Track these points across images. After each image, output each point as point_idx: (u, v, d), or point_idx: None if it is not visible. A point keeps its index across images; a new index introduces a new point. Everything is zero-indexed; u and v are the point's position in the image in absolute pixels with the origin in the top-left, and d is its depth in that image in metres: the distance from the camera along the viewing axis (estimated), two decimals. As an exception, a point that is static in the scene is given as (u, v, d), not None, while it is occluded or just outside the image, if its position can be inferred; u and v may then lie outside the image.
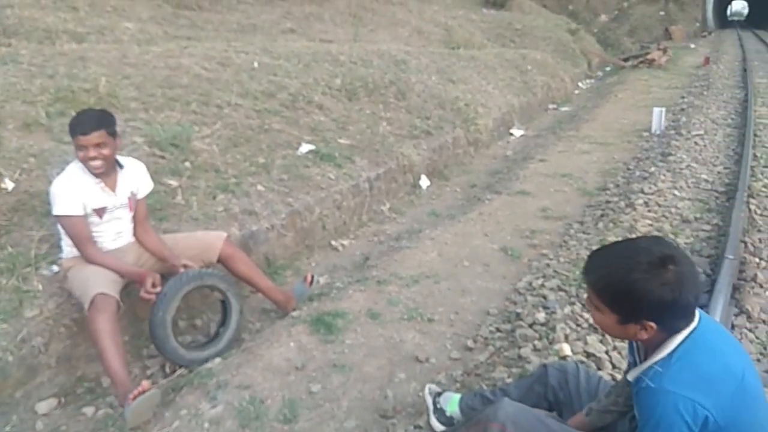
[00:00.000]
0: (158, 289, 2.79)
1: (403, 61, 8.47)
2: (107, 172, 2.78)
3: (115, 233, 2.91)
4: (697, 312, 1.45)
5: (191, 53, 6.03)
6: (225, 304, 3.10)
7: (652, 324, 1.39)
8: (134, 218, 2.99)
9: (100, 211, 2.80)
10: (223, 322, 3.11)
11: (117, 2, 9.05)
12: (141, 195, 3.00)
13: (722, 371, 1.37)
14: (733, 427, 1.35)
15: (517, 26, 16.82)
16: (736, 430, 1.37)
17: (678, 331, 1.42)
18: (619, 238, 4.02)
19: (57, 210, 2.69)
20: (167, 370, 2.95)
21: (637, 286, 1.36)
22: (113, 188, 2.84)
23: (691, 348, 1.40)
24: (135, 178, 2.97)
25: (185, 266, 2.95)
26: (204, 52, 6.16)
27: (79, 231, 2.74)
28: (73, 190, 2.69)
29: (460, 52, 11.22)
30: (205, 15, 9.89)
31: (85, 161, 2.69)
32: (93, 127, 2.65)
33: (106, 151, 2.72)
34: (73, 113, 3.95)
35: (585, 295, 1.57)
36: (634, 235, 4.11)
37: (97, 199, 2.78)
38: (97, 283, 2.62)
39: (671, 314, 1.39)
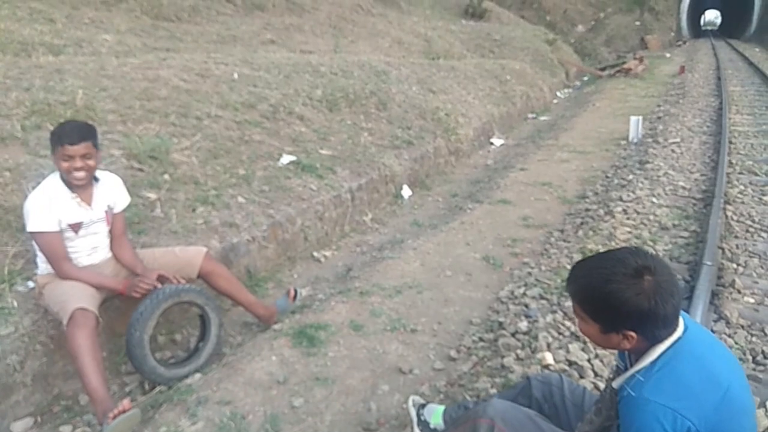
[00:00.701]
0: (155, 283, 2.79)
1: (383, 72, 8.51)
2: (84, 186, 2.74)
3: (90, 248, 2.86)
4: (684, 321, 1.46)
5: (170, 65, 5.98)
6: (204, 319, 3.06)
7: (633, 334, 1.40)
8: (111, 233, 2.94)
9: (75, 227, 2.74)
10: (203, 337, 3.07)
11: (95, 14, 8.96)
12: (118, 209, 2.95)
13: (706, 381, 1.37)
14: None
15: (495, 37, 17.01)
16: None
17: (660, 340, 1.42)
18: (599, 246, 4.07)
19: (31, 227, 2.64)
20: (146, 386, 2.90)
21: (613, 297, 1.38)
22: (89, 202, 2.79)
23: (674, 357, 1.40)
24: (111, 191, 2.92)
25: (160, 277, 2.90)
26: (183, 64, 6.12)
27: (54, 248, 2.69)
28: (47, 205, 2.64)
29: (440, 62, 11.30)
30: (184, 26, 9.83)
31: (69, 172, 2.64)
32: (81, 137, 2.62)
33: (91, 162, 2.70)
34: (50, 126, 3.94)
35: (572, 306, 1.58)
36: (613, 243, 4.15)
37: (73, 214, 2.73)
38: (76, 298, 2.57)
39: (650, 324, 1.39)
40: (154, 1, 10.08)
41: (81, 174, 2.67)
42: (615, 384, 1.57)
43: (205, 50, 7.95)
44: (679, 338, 1.44)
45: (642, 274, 1.37)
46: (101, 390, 2.46)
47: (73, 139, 2.60)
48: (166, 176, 4.07)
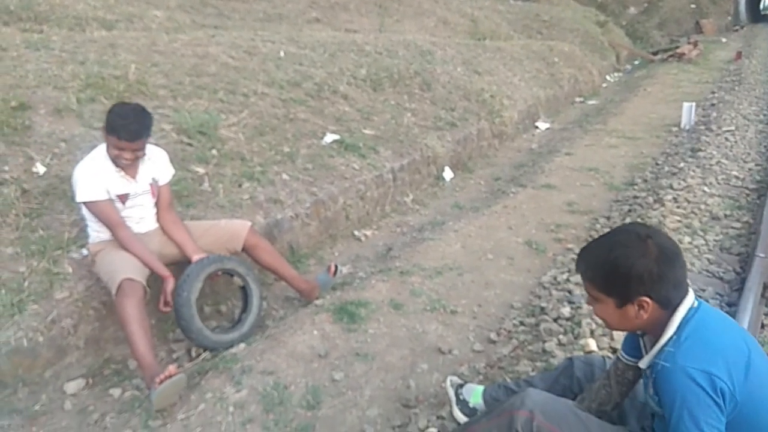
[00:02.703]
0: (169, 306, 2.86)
1: (428, 52, 8.42)
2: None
3: (138, 218, 2.95)
4: (694, 297, 1.49)
5: (218, 42, 6.06)
6: (245, 290, 3.13)
7: (647, 299, 1.43)
8: (157, 204, 3.02)
9: (122, 198, 2.83)
10: (245, 308, 3.13)
11: (145, -10, 9.13)
12: (162, 182, 3.02)
13: (732, 348, 1.40)
14: (750, 403, 1.36)
15: (544, 17, 16.61)
16: (753, 408, 1.37)
17: (675, 304, 1.45)
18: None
19: (81, 197, 2.73)
20: (193, 354, 2.99)
21: (620, 262, 1.43)
22: (134, 176, 2.87)
23: (699, 326, 1.43)
24: (156, 165, 2.99)
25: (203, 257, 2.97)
26: (231, 41, 6.19)
27: (108, 215, 2.78)
28: (95, 176, 2.72)
29: (486, 43, 11.11)
30: (231, 4, 9.92)
31: (118, 158, 2.73)
32: (137, 135, 2.71)
33: (140, 153, 2.81)
34: (104, 100, 4.06)
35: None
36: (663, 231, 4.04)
37: (119, 186, 2.81)
38: (124, 269, 2.66)
39: (661, 285, 1.42)
40: (202, -21, 10.19)
41: (128, 163, 2.77)
42: (642, 364, 1.58)
43: (251, 28, 8.03)
44: (696, 307, 1.46)
45: (644, 238, 1.43)
46: (149, 356, 2.55)
47: (130, 136, 2.68)
48: (214, 151, 4.14)
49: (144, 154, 2.84)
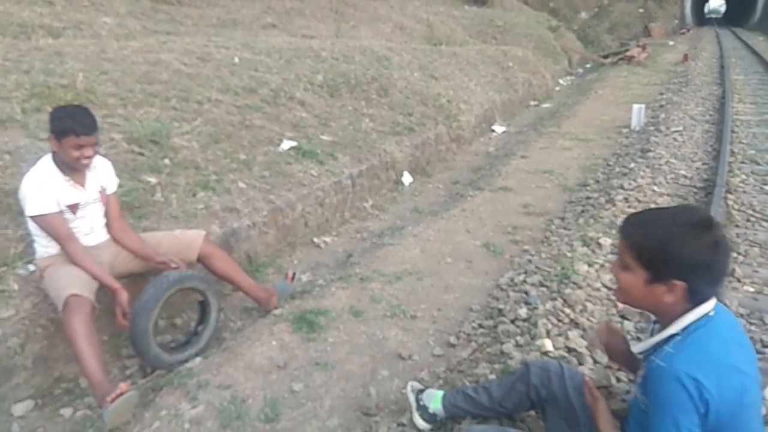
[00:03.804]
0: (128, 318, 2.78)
1: (385, 58, 8.45)
2: (80, 169, 2.76)
3: (88, 228, 2.87)
4: (716, 304, 1.46)
5: (171, 48, 5.94)
6: (204, 304, 3.07)
7: (682, 284, 1.39)
8: (106, 215, 2.95)
9: (73, 207, 2.76)
10: (202, 321, 3.07)
11: (94, -4, 8.90)
12: (110, 190, 2.97)
13: (731, 368, 1.37)
14: (731, 426, 1.36)
15: (498, 23, 16.89)
16: (732, 425, 1.37)
17: (702, 300, 1.42)
18: (600, 234, 4.06)
19: (31, 210, 2.63)
20: (147, 369, 2.91)
21: (676, 240, 1.38)
22: (82, 184, 2.81)
23: (706, 336, 1.40)
24: (102, 173, 2.93)
25: (167, 263, 2.91)
26: (184, 47, 6.08)
27: (58, 228, 2.69)
28: (44, 187, 2.65)
29: (442, 48, 11.22)
30: (184, 9, 9.76)
31: (78, 160, 2.66)
32: (94, 127, 2.68)
33: (97, 148, 2.77)
34: (50, 109, 3.90)
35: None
36: (614, 231, 4.15)
37: (69, 195, 2.74)
38: (71, 284, 2.57)
39: (703, 277, 1.39)
40: (154, -16, 9.99)
41: (89, 161, 2.72)
42: (636, 349, 1.58)
43: (205, 34, 7.90)
44: (710, 316, 1.43)
45: (706, 226, 1.39)
46: (98, 374, 2.47)
47: (87, 129, 2.64)
48: (167, 161, 4.05)
49: (97, 151, 2.78)
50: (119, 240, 2.97)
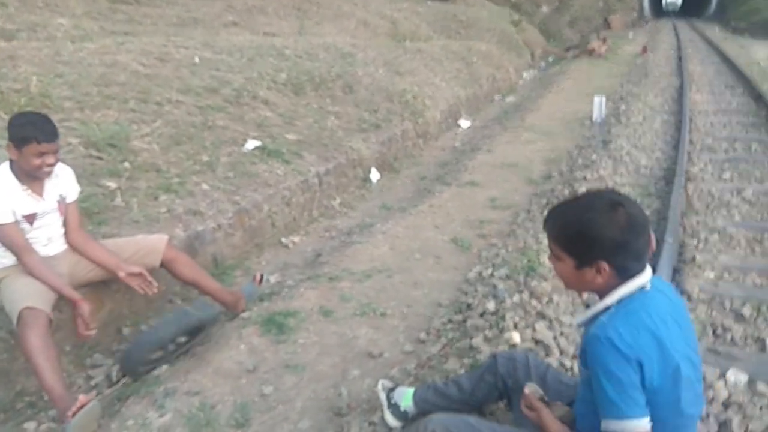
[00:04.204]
0: (93, 328, 2.71)
1: (349, 54, 8.42)
2: (39, 178, 2.67)
3: (46, 239, 2.78)
4: (652, 279, 1.51)
5: (128, 49, 5.82)
6: (199, 328, 3.00)
7: (606, 265, 1.45)
8: (66, 224, 2.86)
9: (29, 218, 2.67)
10: (191, 335, 3.00)
11: (48, -4, 8.65)
12: (70, 199, 2.87)
13: (663, 339, 1.42)
14: (662, 393, 1.41)
15: (461, 18, 16.98)
16: (664, 399, 1.42)
17: (630, 275, 1.48)
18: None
19: None
20: (113, 378, 2.84)
21: (589, 224, 1.45)
22: (40, 194, 2.71)
23: (640, 307, 1.46)
24: (62, 182, 2.83)
25: (132, 274, 2.83)
26: (142, 48, 5.95)
27: (13, 238, 2.60)
28: (1, 197, 2.55)
29: (407, 44, 11.24)
30: (143, 9, 9.56)
31: (40, 168, 2.58)
32: (56, 133, 2.60)
33: (59, 156, 2.69)
34: (3, 115, 3.80)
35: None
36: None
37: (26, 205, 2.65)
38: (26, 297, 2.50)
39: (623, 254, 1.45)
40: (110, -17, 9.76)
41: (51, 169, 2.64)
42: (577, 320, 1.65)
43: (164, 33, 7.75)
44: (646, 290, 1.49)
45: (616, 206, 1.45)
46: (58, 388, 2.41)
47: (49, 136, 2.55)
48: (126, 164, 3.97)
49: (57, 162, 2.69)
50: (80, 251, 2.87)
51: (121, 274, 2.81)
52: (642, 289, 1.49)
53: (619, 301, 1.48)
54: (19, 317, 2.43)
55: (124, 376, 2.82)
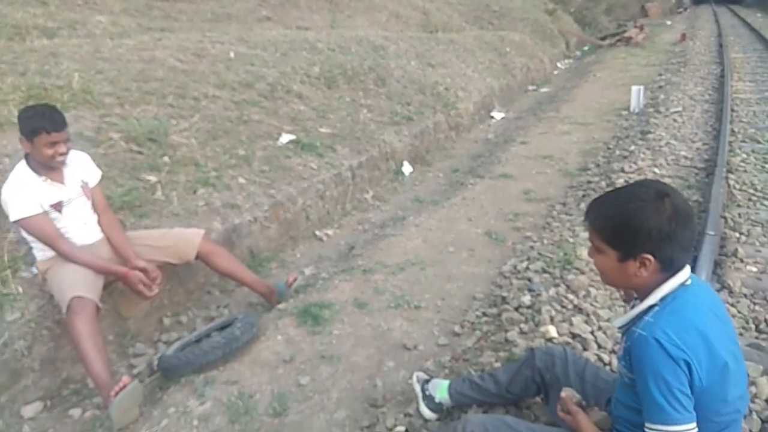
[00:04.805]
0: (158, 281, 2.78)
1: (381, 47, 8.41)
2: (55, 167, 2.74)
3: (81, 224, 2.85)
4: (691, 275, 1.48)
5: (165, 45, 5.92)
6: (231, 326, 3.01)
7: (650, 257, 1.41)
8: (95, 208, 2.93)
9: (57, 206, 2.74)
10: (220, 329, 3.03)
11: (87, -6, 8.85)
12: (93, 183, 2.95)
13: (708, 335, 1.39)
14: (710, 392, 1.38)
15: (494, 8, 16.77)
16: (712, 397, 1.39)
17: (675, 269, 1.44)
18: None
19: (14, 215, 2.62)
20: (154, 367, 2.92)
21: (635, 214, 1.41)
22: (61, 181, 2.79)
23: (685, 304, 1.42)
24: (80, 167, 2.91)
25: (141, 269, 2.86)
26: (178, 44, 6.05)
27: (44, 229, 2.69)
28: (24, 190, 2.63)
29: (439, 35, 11.16)
30: (178, 5, 9.70)
31: (53, 158, 2.65)
32: (63, 122, 2.66)
33: (70, 144, 2.75)
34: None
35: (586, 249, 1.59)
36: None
37: (50, 195, 2.72)
38: (73, 286, 2.58)
39: (668, 246, 1.41)
40: (146, -20, 9.93)
41: (64, 158, 2.70)
42: (617, 323, 1.60)
43: (200, 29, 7.87)
44: (687, 285, 1.46)
45: (662, 197, 1.41)
46: (104, 375, 2.50)
47: (58, 125, 2.62)
48: (166, 158, 4.05)
49: (70, 150, 2.75)
50: (104, 232, 2.94)
51: (133, 263, 2.85)
52: (683, 284, 1.45)
53: (662, 299, 1.45)
54: (68, 306, 2.52)
55: None
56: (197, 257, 3.12)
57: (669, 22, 23.82)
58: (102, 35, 6.73)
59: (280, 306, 3.27)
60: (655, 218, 1.39)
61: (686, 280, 1.46)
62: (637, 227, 1.40)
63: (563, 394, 1.77)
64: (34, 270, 2.90)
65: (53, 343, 2.78)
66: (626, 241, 1.44)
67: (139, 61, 5.30)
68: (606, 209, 1.49)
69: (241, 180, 4.22)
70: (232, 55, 6.17)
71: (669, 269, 1.44)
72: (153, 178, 3.80)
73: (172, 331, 3.21)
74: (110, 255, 2.92)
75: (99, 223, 2.95)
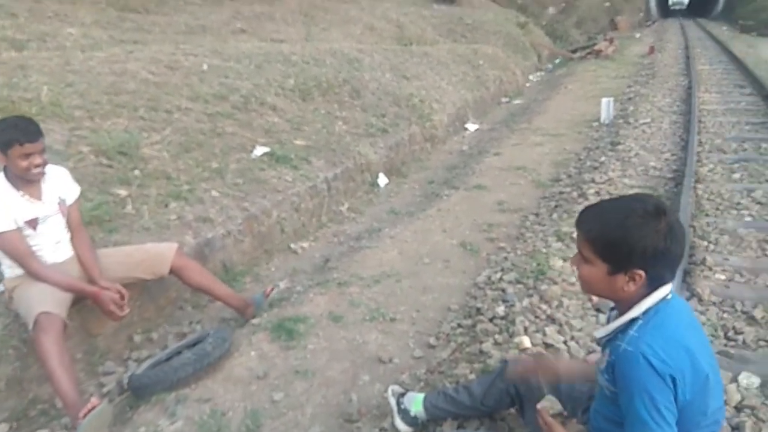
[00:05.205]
0: (126, 302, 2.72)
1: (356, 59, 8.45)
2: (34, 181, 2.69)
3: (53, 243, 2.80)
4: (671, 289, 1.49)
5: (137, 57, 5.86)
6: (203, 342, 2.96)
7: (641, 273, 1.41)
8: (68, 225, 2.88)
9: (32, 223, 2.68)
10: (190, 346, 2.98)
11: (58, 7, 8.74)
12: (70, 200, 2.89)
13: (690, 349, 1.40)
14: (692, 405, 1.40)
15: (467, 21, 16.98)
16: (694, 410, 1.41)
17: (662, 284, 1.44)
18: (573, 229, 4.11)
19: None
20: (124, 386, 2.86)
21: (632, 232, 1.39)
22: (39, 197, 2.73)
23: (667, 318, 1.43)
24: (59, 183, 2.85)
25: (106, 288, 2.79)
26: (151, 56, 6.00)
27: (17, 246, 2.62)
28: (0, 206, 2.58)
29: (413, 48, 11.25)
30: (151, 17, 9.64)
31: (28, 170, 2.59)
32: (38, 133, 2.60)
33: (46, 156, 2.69)
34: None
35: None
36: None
37: (26, 210, 2.66)
38: (41, 302, 2.52)
39: (661, 263, 1.41)
40: (119, -8, 9.86)
41: (40, 170, 2.64)
42: (598, 334, 1.60)
43: (173, 41, 7.80)
44: (668, 299, 1.46)
45: (660, 213, 1.41)
46: (72, 394, 2.43)
47: (32, 136, 2.56)
48: (137, 172, 4.00)
49: (47, 158, 2.70)
50: (75, 249, 2.88)
51: (100, 284, 2.79)
52: (665, 298, 1.46)
53: (645, 312, 1.45)
54: (35, 322, 2.46)
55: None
56: (170, 272, 3.08)
57: (638, 35, 24.37)
58: (72, 48, 6.64)
59: (254, 321, 3.23)
60: (653, 236, 1.38)
61: (667, 294, 1.47)
62: (634, 244, 1.39)
63: (540, 405, 1.78)
64: (0, 287, 2.83)
65: (19, 362, 2.71)
66: (620, 256, 1.43)
67: (110, 73, 5.24)
68: (602, 222, 1.46)
69: (214, 193, 4.18)
70: (205, 67, 6.13)
71: (656, 285, 1.45)
72: (123, 192, 3.74)
73: (142, 349, 3.15)
74: (80, 273, 2.87)
75: (71, 240, 2.89)
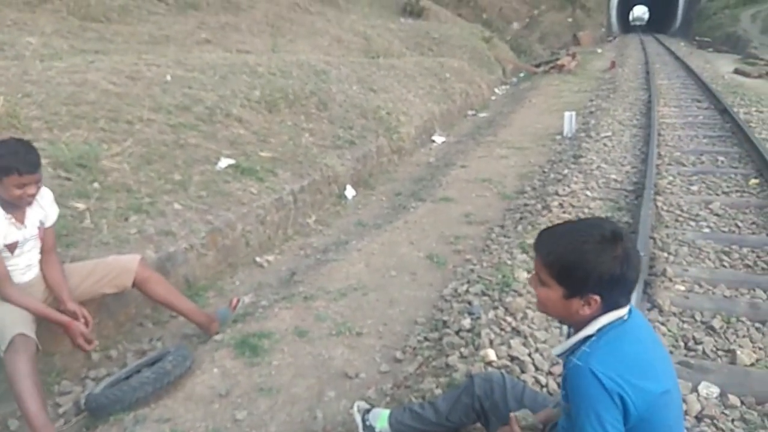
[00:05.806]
0: (91, 330, 2.66)
1: (323, 71, 8.44)
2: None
3: (25, 266, 2.73)
4: (632, 307, 1.51)
5: (99, 68, 5.73)
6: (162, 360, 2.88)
7: (597, 298, 1.43)
8: (42, 248, 2.80)
9: (11, 246, 2.61)
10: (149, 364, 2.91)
11: (18, 15, 8.51)
12: (49, 224, 2.82)
13: (644, 367, 1.42)
14: (651, 422, 1.41)
15: (434, 35, 17.16)
16: (654, 424, 1.42)
17: (617, 307, 1.46)
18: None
19: None
20: (81, 406, 2.76)
21: (588, 257, 1.41)
22: (22, 221, 2.66)
23: (620, 336, 1.44)
24: (43, 206, 2.78)
25: (72, 312, 2.72)
26: (112, 66, 5.88)
27: None
28: None
29: (380, 61, 11.31)
30: (114, 27, 9.46)
31: (21, 199, 2.53)
32: (38, 163, 2.55)
33: (41, 184, 2.64)
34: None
35: (528, 275, 1.60)
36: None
37: (9, 234, 2.59)
38: (16, 323, 2.47)
39: (617, 289, 1.43)
40: (81, 1, 9.66)
41: (32, 199, 2.59)
42: (555, 351, 1.61)
43: (136, 51, 7.66)
44: (624, 319, 1.47)
45: (616, 239, 1.42)
46: (41, 416, 2.37)
47: (32, 168, 2.50)
48: (96, 185, 3.89)
49: (39, 190, 2.64)
50: (43, 270, 2.81)
51: (68, 307, 2.71)
52: (620, 318, 1.47)
53: (600, 329, 1.46)
54: (10, 343, 2.40)
55: None
56: (133, 285, 3.00)
57: (599, 50, 25.00)
58: (31, 57, 6.46)
59: (217, 337, 3.16)
60: (609, 263, 1.39)
61: (624, 315, 1.48)
62: (590, 270, 1.40)
63: (511, 415, 1.77)
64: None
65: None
66: (576, 281, 1.44)
67: (70, 83, 5.11)
68: (559, 246, 1.47)
69: (177, 206, 4.10)
70: (168, 77, 6.04)
71: (611, 309, 1.46)
72: (81, 206, 3.64)
73: (101, 367, 3.05)
74: (44, 294, 2.79)
75: (39, 261, 2.81)
